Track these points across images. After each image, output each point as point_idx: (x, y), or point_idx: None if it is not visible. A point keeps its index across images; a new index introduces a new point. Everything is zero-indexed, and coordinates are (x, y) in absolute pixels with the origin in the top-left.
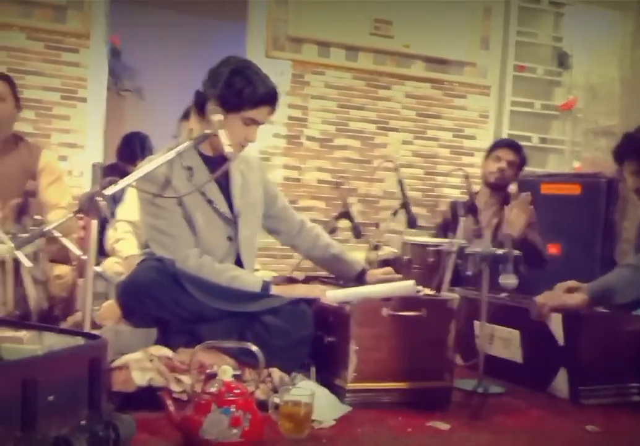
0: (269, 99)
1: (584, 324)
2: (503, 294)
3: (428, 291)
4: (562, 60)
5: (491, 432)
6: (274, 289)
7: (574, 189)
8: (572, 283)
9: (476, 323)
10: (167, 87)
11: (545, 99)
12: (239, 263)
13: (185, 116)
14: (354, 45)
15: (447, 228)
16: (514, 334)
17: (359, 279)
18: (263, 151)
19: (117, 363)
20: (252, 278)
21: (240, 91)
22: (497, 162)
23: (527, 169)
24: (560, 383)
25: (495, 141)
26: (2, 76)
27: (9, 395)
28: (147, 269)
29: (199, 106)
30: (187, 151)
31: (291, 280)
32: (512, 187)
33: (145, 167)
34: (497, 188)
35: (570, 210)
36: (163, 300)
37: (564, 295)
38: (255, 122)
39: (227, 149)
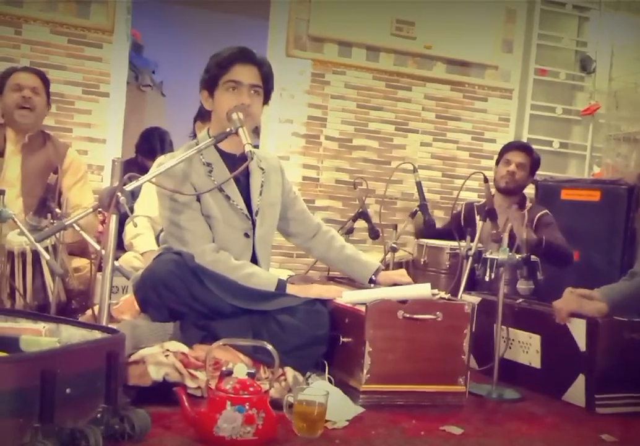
0: (236, 56)
1: (606, 331)
2: (520, 300)
3: (443, 294)
4: (585, 65)
5: (504, 438)
6: (290, 289)
7: (594, 196)
8: (583, 291)
9: (494, 327)
10: (188, 83)
11: (567, 104)
12: (254, 259)
13: (199, 116)
14: (375, 46)
15: (459, 229)
16: (535, 338)
17: (374, 279)
18: (282, 149)
19: (133, 357)
20: (267, 276)
21: (210, 66)
22: (506, 165)
23: (548, 173)
24: (577, 390)
25: (504, 145)
26: (38, 72)
27: (28, 387)
28: (166, 262)
29: (204, 111)
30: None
31: (307, 279)
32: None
33: (165, 164)
34: (509, 192)
35: (590, 216)
36: (180, 293)
37: (583, 301)
38: (239, 83)
39: (247, 148)
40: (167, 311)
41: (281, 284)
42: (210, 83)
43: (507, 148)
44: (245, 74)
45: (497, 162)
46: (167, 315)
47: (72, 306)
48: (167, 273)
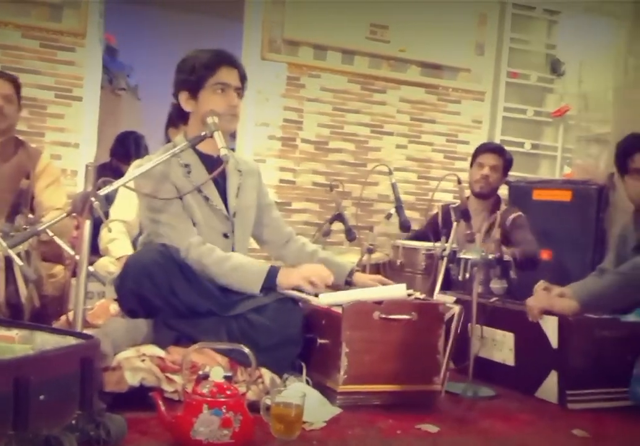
0: (221, 58)
1: (577, 328)
2: (493, 299)
3: (418, 294)
4: (555, 68)
5: (479, 435)
6: (281, 272)
7: (565, 196)
8: (554, 288)
9: (469, 326)
10: (163, 86)
11: (538, 106)
12: None
13: (171, 123)
14: (350, 49)
15: (436, 231)
16: (508, 337)
17: (349, 279)
18: (258, 152)
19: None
20: (256, 264)
21: (192, 66)
22: (480, 169)
23: (520, 174)
24: (550, 386)
25: (477, 148)
26: (10, 77)
27: (1, 394)
28: (150, 251)
29: (176, 111)
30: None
31: None
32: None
33: (140, 168)
34: (484, 196)
35: (561, 216)
36: (160, 283)
37: (554, 299)
38: (227, 86)
39: (223, 151)
40: (143, 304)
41: (272, 271)
42: (194, 84)
43: (480, 151)
44: (231, 76)
45: (471, 165)
46: (141, 309)
47: (46, 313)
48: (151, 261)
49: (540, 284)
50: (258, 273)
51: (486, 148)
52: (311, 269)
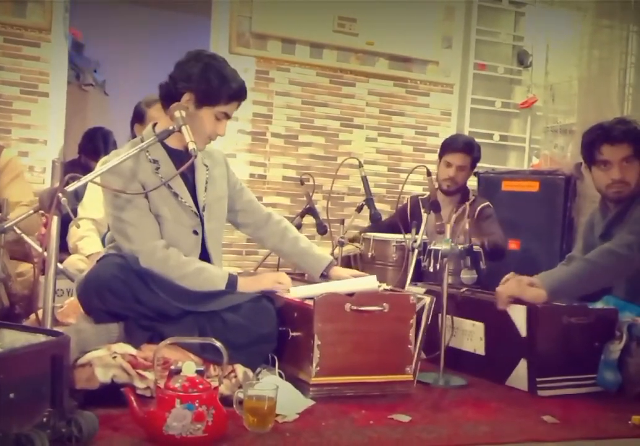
0: (242, 94)
1: (545, 316)
2: (464, 289)
3: (385, 286)
4: (522, 59)
5: (451, 423)
6: (241, 282)
7: (533, 186)
8: (523, 278)
9: (439, 316)
10: (131, 81)
11: (506, 98)
12: (205, 256)
13: (136, 118)
14: (318, 43)
15: (405, 222)
16: (478, 326)
17: (326, 273)
18: (228, 147)
19: (80, 361)
20: (218, 271)
21: (216, 87)
22: (447, 167)
23: (489, 165)
24: (519, 374)
25: (444, 143)
26: None
27: None
28: (108, 265)
29: (169, 98)
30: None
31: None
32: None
33: (108, 163)
34: (451, 193)
35: (530, 207)
36: (124, 296)
37: (524, 287)
38: (227, 116)
39: (191, 146)
40: (111, 313)
41: (232, 279)
42: (207, 100)
43: (448, 149)
44: (234, 109)
45: (439, 159)
46: (110, 318)
47: (15, 311)
48: (111, 276)
49: (510, 276)
50: (220, 278)
51: (454, 147)
52: (271, 279)
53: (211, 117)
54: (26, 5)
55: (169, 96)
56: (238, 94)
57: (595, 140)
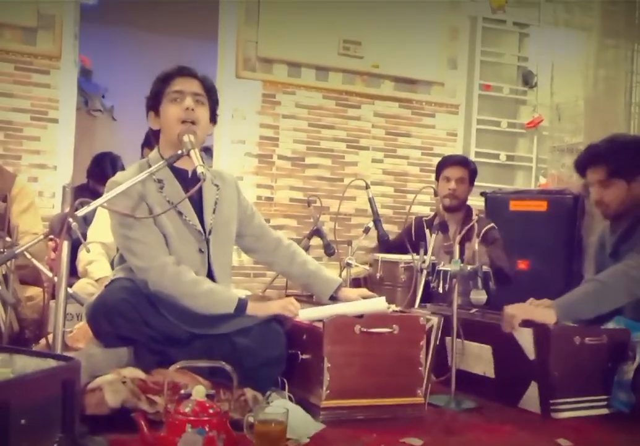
0: (176, 70)
1: (553, 338)
2: (474, 310)
3: (394, 307)
4: (527, 80)
5: None
6: (250, 306)
7: (541, 206)
8: (545, 302)
9: (448, 338)
10: (139, 106)
11: (512, 118)
12: (210, 276)
13: (147, 143)
14: (324, 66)
15: (411, 244)
16: (486, 349)
17: (335, 295)
18: (235, 170)
19: (90, 385)
20: (228, 294)
21: (152, 87)
22: (447, 182)
23: (496, 185)
24: (531, 397)
25: (440, 161)
26: None
27: None
28: (117, 289)
29: (152, 136)
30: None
31: (263, 299)
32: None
33: (118, 188)
34: (454, 209)
35: (538, 226)
36: (133, 320)
37: (534, 309)
38: (181, 93)
39: (200, 169)
40: (121, 338)
41: (241, 303)
42: (154, 101)
43: (444, 165)
44: (186, 84)
45: (437, 178)
46: (120, 342)
47: (25, 336)
48: (120, 300)
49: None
50: (230, 301)
51: (450, 162)
52: (280, 305)
53: (169, 105)
54: (36, 33)
55: (151, 130)
56: (170, 73)
57: (583, 163)
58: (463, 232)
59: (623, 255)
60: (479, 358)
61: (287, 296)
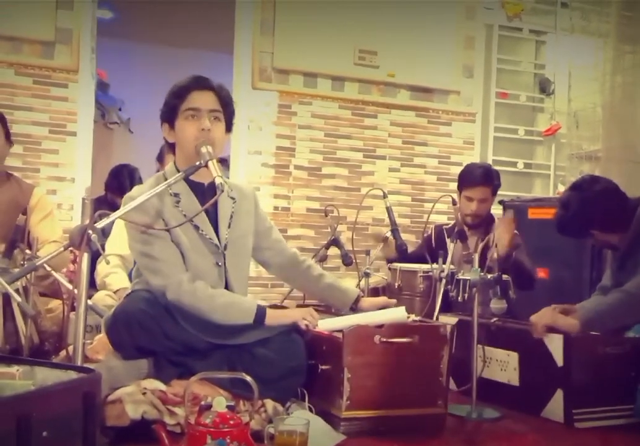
0: (190, 83)
1: (582, 345)
2: (494, 319)
3: (414, 316)
4: (544, 87)
5: None
6: (269, 314)
7: None
8: (567, 307)
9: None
10: (155, 119)
11: (529, 125)
12: (227, 289)
13: (162, 156)
14: (340, 76)
15: (431, 253)
16: (512, 356)
17: (355, 306)
18: (252, 180)
19: (110, 397)
20: (247, 303)
21: (167, 99)
22: (469, 202)
23: (514, 193)
24: (555, 406)
25: (461, 175)
26: None
27: (3, 432)
28: (137, 301)
29: (167, 146)
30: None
31: (281, 309)
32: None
33: (135, 200)
34: (476, 226)
35: (557, 234)
36: (153, 331)
37: (558, 316)
38: (197, 110)
39: (218, 180)
40: (140, 349)
41: (260, 311)
42: (169, 115)
43: (466, 182)
44: (202, 100)
45: (459, 189)
46: (139, 353)
47: (45, 348)
48: (139, 311)
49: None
50: (250, 310)
51: (472, 181)
52: (299, 315)
53: (184, 122)
54: (54, 47)
55: (165, 141)
56: (186, 87)
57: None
58: (485, 241)
59: (629, 268)
60: (504, 366)
61: (306, 306)
